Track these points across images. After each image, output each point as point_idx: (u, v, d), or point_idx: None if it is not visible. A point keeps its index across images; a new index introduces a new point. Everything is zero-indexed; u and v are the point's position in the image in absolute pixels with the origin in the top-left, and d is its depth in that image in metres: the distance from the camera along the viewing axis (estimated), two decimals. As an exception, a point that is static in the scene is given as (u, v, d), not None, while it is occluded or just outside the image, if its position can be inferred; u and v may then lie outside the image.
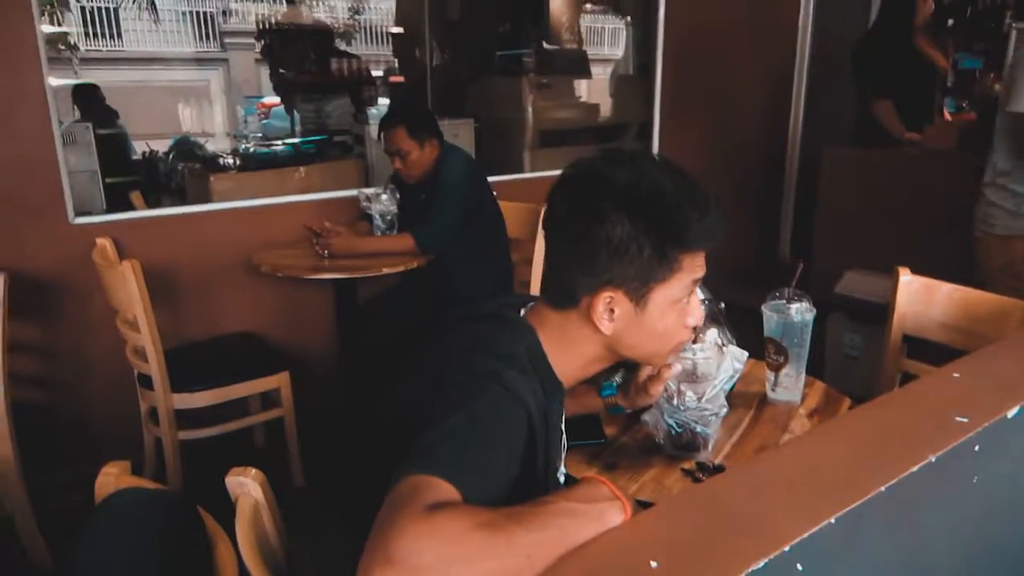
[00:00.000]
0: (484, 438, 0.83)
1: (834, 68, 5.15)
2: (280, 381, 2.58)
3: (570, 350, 1.01)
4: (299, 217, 2.88)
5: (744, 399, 1.43)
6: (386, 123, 2.73)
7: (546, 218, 1.00)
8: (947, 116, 3.85)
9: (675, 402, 1.17)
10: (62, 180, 2.55)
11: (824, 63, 4.97)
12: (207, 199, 3.01)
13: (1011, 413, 1.01)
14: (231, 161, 3.18)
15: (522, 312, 1.05)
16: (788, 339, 1.35)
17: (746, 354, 1.21)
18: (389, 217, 2.78)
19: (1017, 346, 1.26)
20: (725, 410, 1.21)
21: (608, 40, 6.21)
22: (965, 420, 0.98)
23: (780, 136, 4.67)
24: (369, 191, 2.83)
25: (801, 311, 1.35)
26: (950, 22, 5.15)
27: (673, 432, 1.20)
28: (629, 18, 4.84)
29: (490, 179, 2.93)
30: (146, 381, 2.42)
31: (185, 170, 3.35)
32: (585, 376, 1.07)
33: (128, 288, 2.22)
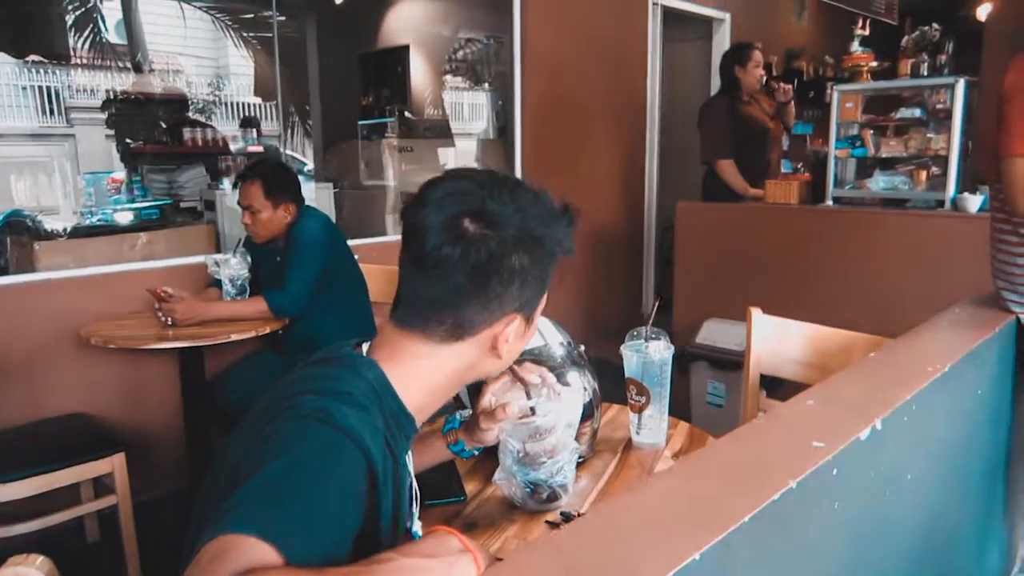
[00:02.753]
0: (308, 487, 0.72)
1: (682, 129, 5.48)
2: (113, 464, 2.30)
3: (429, 379, 0.93)
4: (140, 286, 2.65)
5: (609, 445, 1.38)
6: (244, 176, 2.59)
7: (430, 256, 0.88)
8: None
9: (525, 463, 1.10)
10: None
11: (673, 124, 5.29)
12: (31, 270, 2.71)
13: (863, 435, 1.01)
14: (60, 228, 2.91)
15: (364, 347, 0.95)
16: (648, 378, 1.32)
17: (582, 390, 1.17)
18: (240, 281, 2.61)
19: (863, 372, 1.29)
20: (578, 451, 1.15)
21: (470, 114, 6.39)
22: (822, 445, 0.97)
23: (637, 194, 4.87)
24: (218, 256, 2.66)
25: (659, 349, 1.33)
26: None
27: (529, 490, 1.12)
28: (488, 85, 4.95)
29: (352, 242, 2.83)
30: (-51, 474, 2.10)
31: (8, 241, 3.02)
32: (436, 407, 0.98)
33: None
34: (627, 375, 1.35)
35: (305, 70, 6.27)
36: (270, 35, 5.06)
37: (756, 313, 1.85)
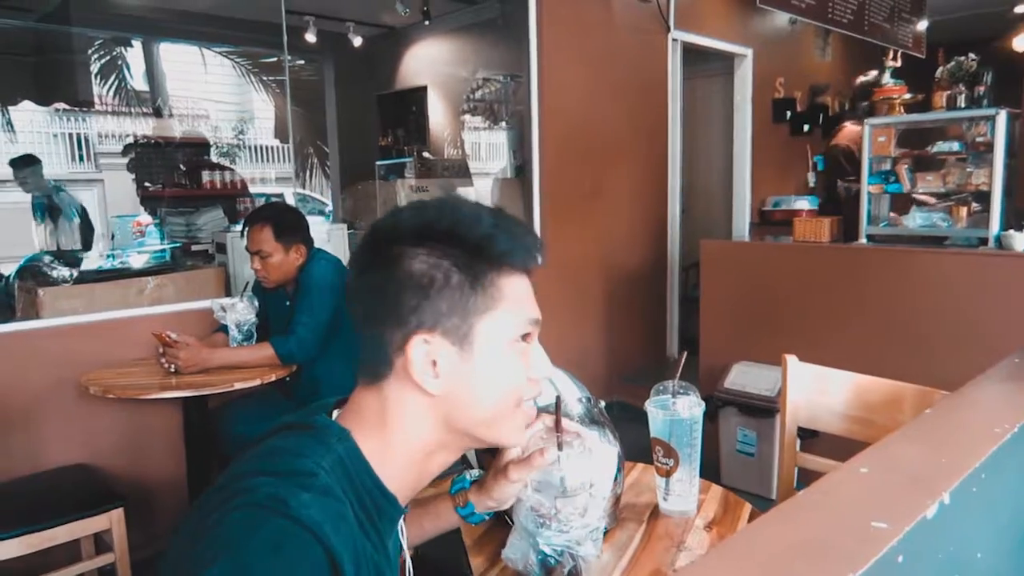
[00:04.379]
0: None
1: (705, 165, 5.37)
2: (112, 520, 2.19)
3: (398, 441, 0.80)
4: (146, 332, 2.57)
5: (634, 512, 1.24)
6: (252, 220, 2.52)
7: (347, 289, 0.85)
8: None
9: (552, 525, 0.97)
10: None
11: (696, 160, 5.18)
12: (36, 316, 2.64)
13: (930, 513, 0.87)
14: (67, 273, 2.84)
15: (335, 413, 0.84)
16: (677, 439, 1.18)
17: (615, 449, 1.05)
18: (247, 327, 2.52)
19: (920, 433, 1.14)
20: (604, 522, 1.02)
21: (488, 153, 6.36)
22: (884, 526, 0.83)
23: (659, 231, 4.75)
24: (224, 301, 2.58)
25: (689, 406, 1.19)
26: (806, 128, 5.53)
27: (551, 562, 0.98)
28: (506, 123, 4.89)
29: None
30: (-60, 532, 2.00)
31: (16, 286, 2.97)
32: (424, 478, 0.85)
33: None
34: (653, 435, 1.22)
35: (323, 112, 6.30)
36: (291, 78, 5.08)
37: (792, 360, 1.71)
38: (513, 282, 0.82)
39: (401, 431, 0.80)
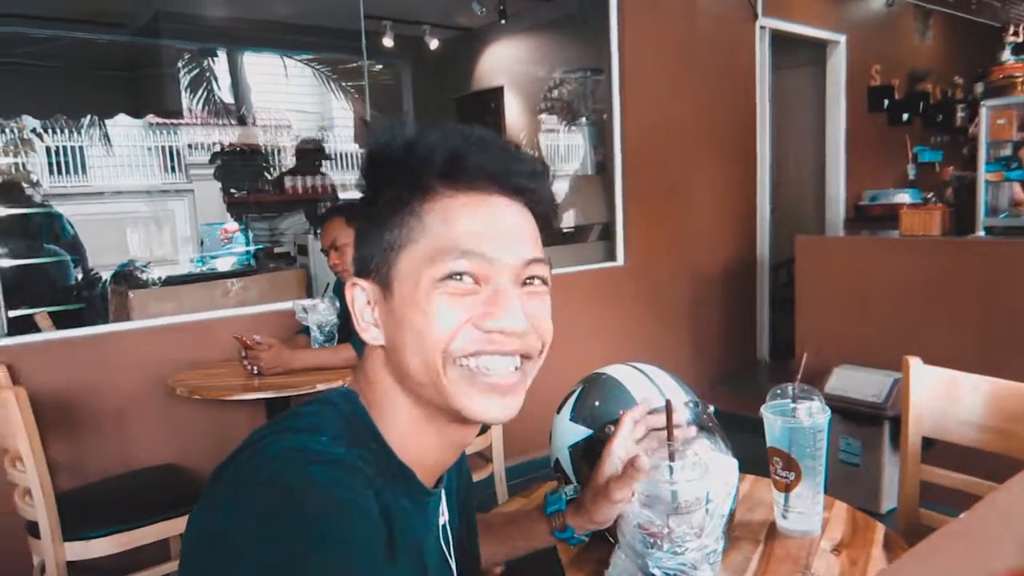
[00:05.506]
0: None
1: (795, 160, 5.12)
2: (198, 523, 2.19)
3: (386, 404, 0.72)
4: (230, 333, 2.59)
5: (748, 530, 1.11)
6: (324, 217, 2.54)
7: None
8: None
9: (664, 545, 0.86)
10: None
11: (785, 155, 4.94)
12: (127, 317, 2.71)
13: None
14: (155, 276, 2.91)
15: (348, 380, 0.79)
16: (798, 450, 1.05)
17: (736, 462, 0.93)
18: (328, 328, 2.50)
19: (1095, 446, 0.98)
20: (723, 543, 0.90)
21: (566, 153, 6.29)
22: (1077, 561, 0.68)
23: (748, 229, 4.55)
24: (306, 302, 2.56)
25: (812, 412, 1.06)
26: (905, 117, 5.21)
27: None
28: (585, 119, 4.78)
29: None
30: (36, 529, 2.02)
31: (110, 290, 3.07)
32: (434, 455, 0.74)
33: (10, 419, 1.88)
34: (770, 444, 1.09)
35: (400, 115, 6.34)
36: (369, 83, 5.12)
37: (915, 363, 1.54)
38: (445, 207, 0.68)
39: (379, 389, 0.72)
